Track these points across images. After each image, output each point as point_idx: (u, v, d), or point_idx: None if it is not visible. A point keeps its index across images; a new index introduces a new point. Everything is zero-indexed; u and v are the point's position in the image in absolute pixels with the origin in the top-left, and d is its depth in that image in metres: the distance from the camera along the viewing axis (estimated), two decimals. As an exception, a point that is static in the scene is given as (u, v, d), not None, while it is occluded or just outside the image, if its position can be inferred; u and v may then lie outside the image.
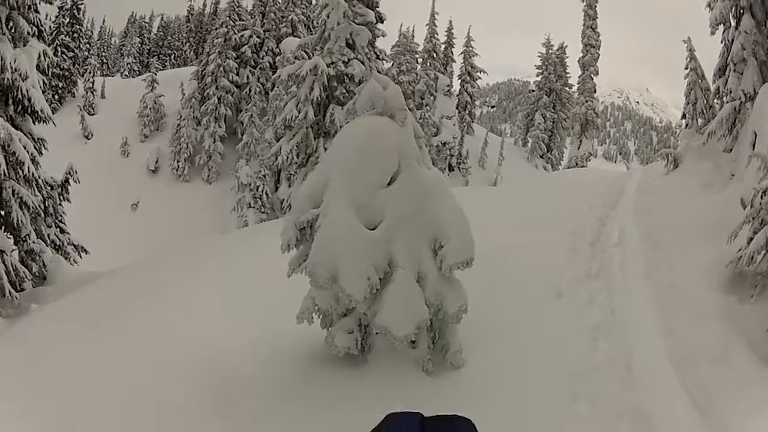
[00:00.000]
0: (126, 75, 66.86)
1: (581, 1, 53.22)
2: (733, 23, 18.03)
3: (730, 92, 17.41)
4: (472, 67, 56.41)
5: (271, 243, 8.21)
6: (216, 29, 45.08)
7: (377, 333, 7.19)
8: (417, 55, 50.18)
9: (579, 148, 51.71)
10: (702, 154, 18.79)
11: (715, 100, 21.75)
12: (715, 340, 8.90)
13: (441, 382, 7.51)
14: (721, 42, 19.09)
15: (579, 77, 53.73)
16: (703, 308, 10.13)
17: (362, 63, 26.62)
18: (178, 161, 41.52)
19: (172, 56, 76.75)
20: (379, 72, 27.94)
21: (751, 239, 10.40)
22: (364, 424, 5.32)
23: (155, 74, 46.92)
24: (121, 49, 77.59)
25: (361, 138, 7.35)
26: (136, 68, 70.46)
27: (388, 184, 7.34)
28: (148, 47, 77.89)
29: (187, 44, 76.94)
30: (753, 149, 14.14)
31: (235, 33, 43.24)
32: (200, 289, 11.43)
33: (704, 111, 22.81)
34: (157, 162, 42.14)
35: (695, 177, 17.82)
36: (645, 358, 8.38)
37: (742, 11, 17.30)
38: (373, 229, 7.11)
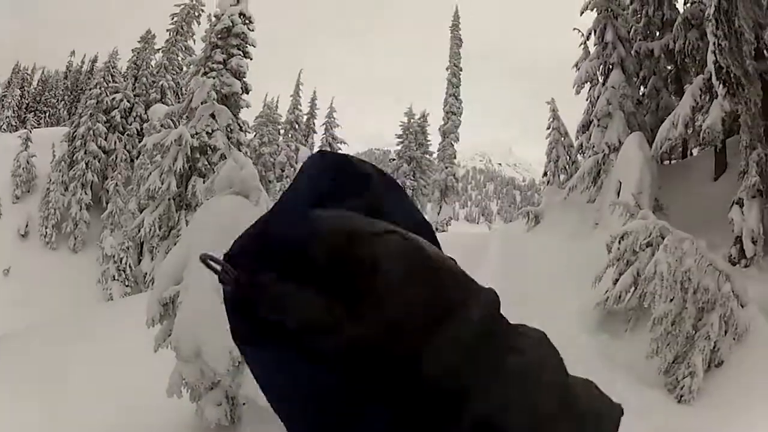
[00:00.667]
0: (4, 129, 63.10)
1: (446, 69, 54.81)
2: (600, 80, 19.32)
3: (593, 146, 18.53)
4: (333, 138, 56.48)
5: (137, 318, 8.13)
6: (90, 89, 43.78)
7: (244, 404, 7.35)
8: (279, 126, 50.46)
9: (439, 213, 52.12)
10: (565, 208, 19.51)
11: (579, 155, 22.93)
12: (593, 376, 9.28)
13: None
14: (587, 99, 20.39)
15: (439, 144, 54.70)
16: (576, 351, 10.24)
17: (226, 136, 27.04)
18: (46, 227, 39.63)
19: (47, 113, 73.26)
20: (242, 144, 28.47)
21: (617, 280, 11.17)
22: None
23: (30, 132, 44.87)
24: (2, 101, 72.81)
25: (217, 218, 7.60)
26: (14, 123, 66.73)
27: (243, 261, 7.55)
28: (26, 101, 74.01)
29: (62, 102, 74.23)
30: (618, 197, 15.09)
31: (107, 95, 41.91)
32: (71, 366, 11.15)
33: (567, 167, 24.11)
34: (27, 226, 40.15)
35: (558, 230, 18.41)
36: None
37: (611, 67, 18.59)
38: (231, 306, 7.30)
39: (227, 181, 7.81)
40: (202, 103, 26.16)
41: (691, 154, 20.70)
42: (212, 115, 26.47)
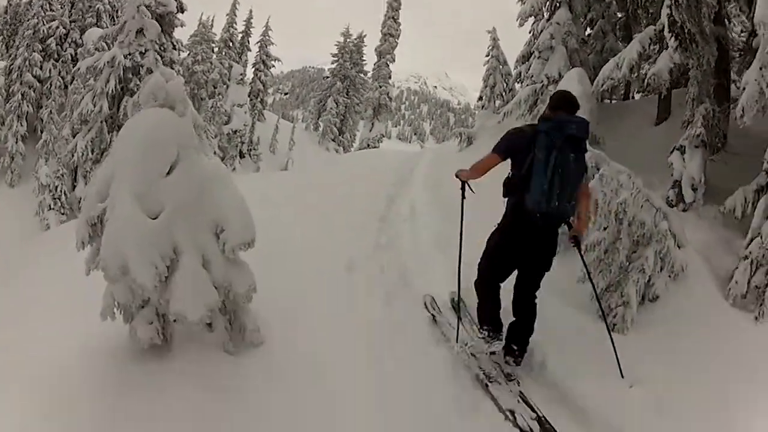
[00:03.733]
0: (-61, 62, 60.59)
1: (387, -9, 54.72)
2: (545, 15, 18.70)
3: (532, 77, 17.98)
4: (267, 55, 57.16)
5: (71, 244, 7.72)
6: (28, 20, 41.46)
7: (174, 320, 7.11)
8: (213, 45, 50.23)
9: (371, 130, 53.79)
10: (498, 132, 18.83)
11: (516, 84, 22.72)
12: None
13: (244, 360, 7.53)
14: (530, 32, 19.94)
15: (375, 64, 55.80)
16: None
17: (159, 54, 26.86)
18: (-18, 164, 38.11)
19: (-13, 49, 70.64)
20: (174, 63, 28.40)
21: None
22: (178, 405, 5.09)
23: (-31, 66, 41.51)
24: (-55, 31, 69.42)
25: (141, 130, 7.19)
26: (-50, 57, 64.08)
27: (168, 174, 7.21)
28: (-32, 35, 71.36)
29: (1, 37, 71.32)
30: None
31: (44, 24, 40.14)
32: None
33: (503, 94, 24.09)
34: (-38, 163, 38.43)
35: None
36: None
37: (558, 4, 17.97)
38: (155, 218, 6.98)
39: (152, 94, 7.26)
40: (131, 18, 25.51)
41: (633, 98, 20.44)
42: (140, 31, 25.93)
